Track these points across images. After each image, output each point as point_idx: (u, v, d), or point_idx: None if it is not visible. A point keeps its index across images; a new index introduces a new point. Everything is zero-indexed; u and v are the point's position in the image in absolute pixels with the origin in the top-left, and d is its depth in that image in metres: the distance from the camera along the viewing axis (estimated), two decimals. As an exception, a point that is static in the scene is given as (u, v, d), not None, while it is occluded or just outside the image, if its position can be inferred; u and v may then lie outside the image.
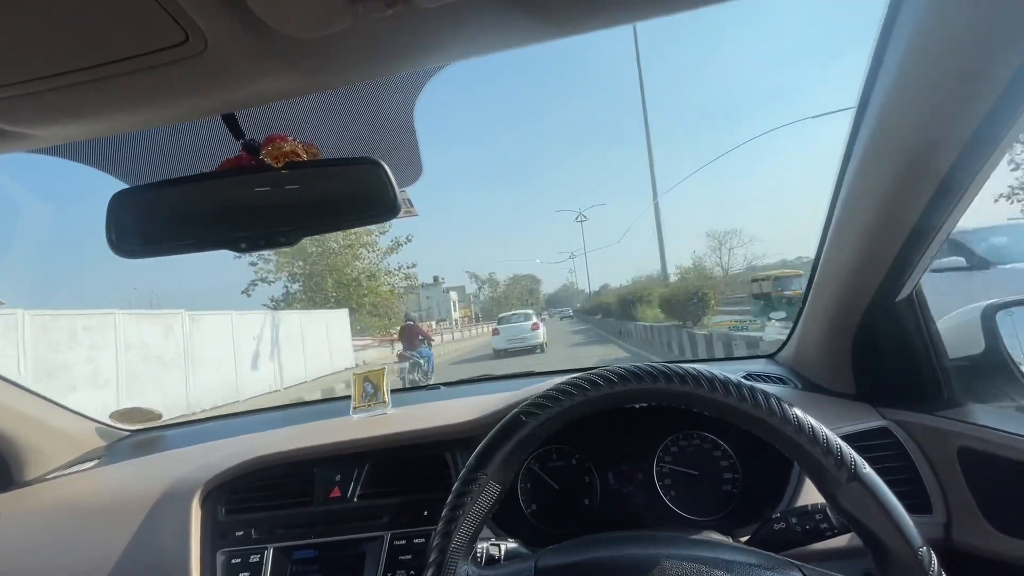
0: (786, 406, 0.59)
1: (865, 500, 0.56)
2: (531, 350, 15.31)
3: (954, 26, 0.61)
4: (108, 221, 0.68)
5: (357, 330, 21.18)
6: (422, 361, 9.18)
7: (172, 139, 0.74)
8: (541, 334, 15.85)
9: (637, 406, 1.00)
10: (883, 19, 0.68)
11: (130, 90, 0.50)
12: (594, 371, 0.65)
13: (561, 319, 50.62)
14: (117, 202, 0.69)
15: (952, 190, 0.75)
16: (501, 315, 18.75)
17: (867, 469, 0.57)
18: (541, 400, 0.64)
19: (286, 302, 22.38)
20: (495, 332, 16.66)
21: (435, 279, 59.60)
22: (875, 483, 0.56)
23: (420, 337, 9.63)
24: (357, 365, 16.66)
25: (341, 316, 18.48)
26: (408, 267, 25.47)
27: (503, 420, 0.65)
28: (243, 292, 21.94)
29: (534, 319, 16.40)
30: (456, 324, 44.83)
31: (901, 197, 0.79)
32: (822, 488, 0.59)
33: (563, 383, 0.65)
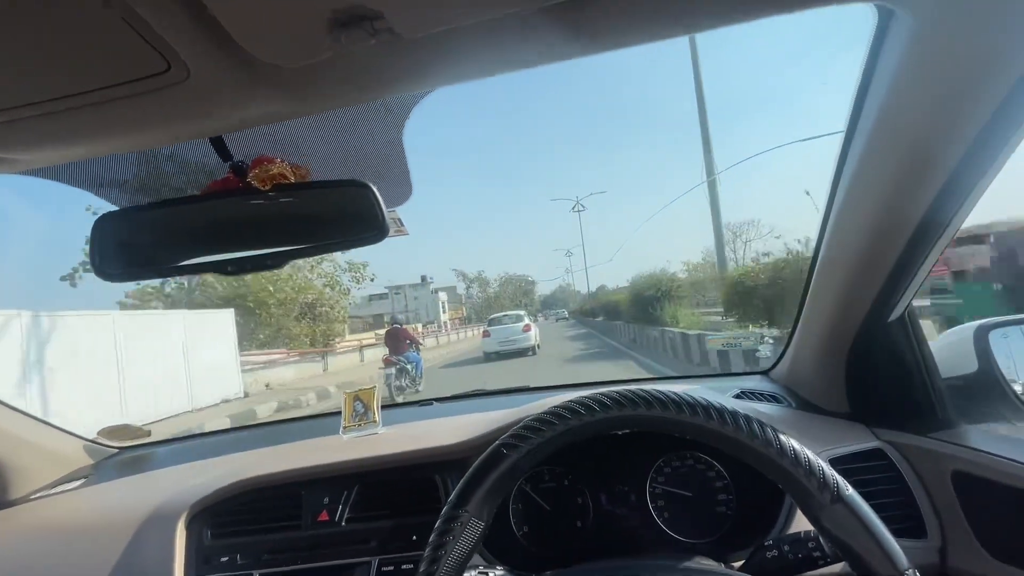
0: (768, 429, 0.59)
1: (849, 522, 0.56)
2: (523, 352, 15.11)
3: (938, 54, 0.60)
4: (92, 244, 0.67)
5: (261, 340, 16.32)
6: (409, 367, 8.95)
7: (159, 161, 0.72)
8: (533, 336, 15.62)
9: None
10: (871, 38, 0.66)
11: (112, 116, 0.50)
12: (574, 399, 0.64)
13: (556, 320, 50.22)
14: (101, 225, 0.67)
15: (942, 213, 0.75)
16: (491, 316, 18.40)
17: (850, 491, 0.57)
18: (521, 432, 0.64)
19: (158, 298, 16.18)
20: (485, 334, 16.33)
21: (423, 279, 59.24)
22: (858, 505, 0.56)
23: (407, 341, 9.45)
24: (247, 394, 11.98)
25: (222, 320, 12.59)
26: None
27: (484, 454, 0.64)
28: (63, 279, 13.34)
29: (525, 320, 16.09)
30: (445, 327, 44.10)
31: (892, 219, 0.79)
32: (807, 511, 0.59)
33: (545, 413, 0.64)
